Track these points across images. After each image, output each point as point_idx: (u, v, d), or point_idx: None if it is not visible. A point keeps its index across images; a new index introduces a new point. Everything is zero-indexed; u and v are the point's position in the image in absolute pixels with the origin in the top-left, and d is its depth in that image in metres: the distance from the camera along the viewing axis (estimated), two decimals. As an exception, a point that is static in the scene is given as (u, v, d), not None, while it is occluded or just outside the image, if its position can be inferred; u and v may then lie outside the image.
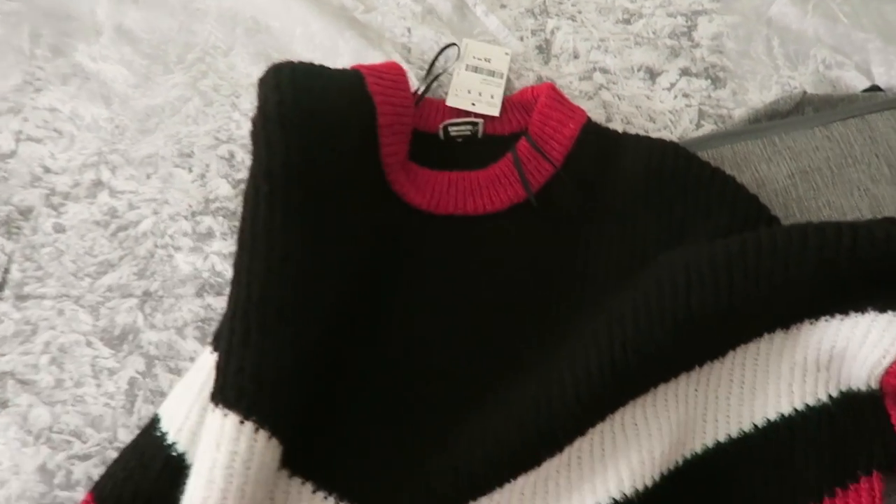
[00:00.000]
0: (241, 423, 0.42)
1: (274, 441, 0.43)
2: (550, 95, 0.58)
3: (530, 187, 0.55)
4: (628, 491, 0.45)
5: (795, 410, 0.48)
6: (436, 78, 0.62)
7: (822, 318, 0.48)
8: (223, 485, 0.41)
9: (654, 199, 0.54)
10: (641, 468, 0.46)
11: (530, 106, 0.59)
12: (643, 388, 0.48)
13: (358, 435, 0.48)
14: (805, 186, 0.57)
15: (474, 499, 0.46)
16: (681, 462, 0.48)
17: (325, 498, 0.46)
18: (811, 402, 0.48)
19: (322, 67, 0.52)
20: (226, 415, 0.43)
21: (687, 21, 0.70)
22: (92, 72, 0.65)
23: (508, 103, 0.60)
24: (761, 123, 0.60)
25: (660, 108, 0.65)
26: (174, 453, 0.46)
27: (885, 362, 0.45)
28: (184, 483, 0.43)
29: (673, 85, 0.67)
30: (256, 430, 0.43)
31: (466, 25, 0.69)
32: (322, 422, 0.48)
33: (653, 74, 0.67)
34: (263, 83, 0.50)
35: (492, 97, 0.60)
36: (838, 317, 0.48)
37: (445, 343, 0.52)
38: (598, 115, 0.64)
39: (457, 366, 0.51)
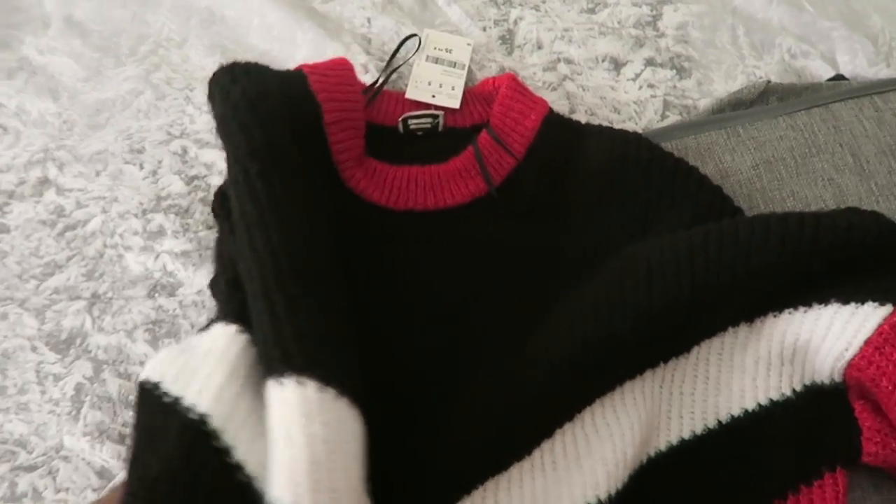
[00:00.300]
0: (321, 388, 0.38)
1: (354, 405, 0.40)
2: (511, 86, 0.56)
3: (492, 180, 0.54)
4: (603, 496, 0.44)
5: (759, 405, 0.47)
6: (395, 70, 0.61)
7: (786, 311, 0.47)
8: (328, 462, 0.37)
9: (618, 191, 0.53)
10: (616, 470, 0.44)
11: (491, 97, 0.58)
12: (609, 385, 0.47)
13: None
14: (769, 177, 0.56)
15: None
16: (645, 461, 0.47)
17: None
18: (775, 396, 0.47)
19: (266, 68, 0.51)
20: (301, 383, 0.38)
21: (652, 10, 0.69)
22: (39, 65, 0.63)
23: (469, 95, 0.58)
24: (725, 113, 0.60)
25: (624, 98, 0.64)
26: (193, 416, 0.40)
27: (848, 355, 0.45)
28: (207, 448, 0.39)
29: (638, 75, 0.66)
30: (338, 394, 0.39)
31: (428, 15, 0.68)
32: None
33: (617, 65, 0.66)
34: (218, 79, 0.48)
35: (452, 89, 0.58)
36: (801, 309, 0.47)
37: (408, 341, 0.50)
38: (561, 107, 0.63)
39: (420, 365, 0.49)
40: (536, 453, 0.45)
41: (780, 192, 0.56)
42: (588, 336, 0.46)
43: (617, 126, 0.62)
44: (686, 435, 0.47)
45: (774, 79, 0.66)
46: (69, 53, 0.63)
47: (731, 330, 0.49)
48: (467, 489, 0.45)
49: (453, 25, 0.67)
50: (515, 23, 0.68)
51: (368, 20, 0.66)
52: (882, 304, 0.44)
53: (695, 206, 0.52)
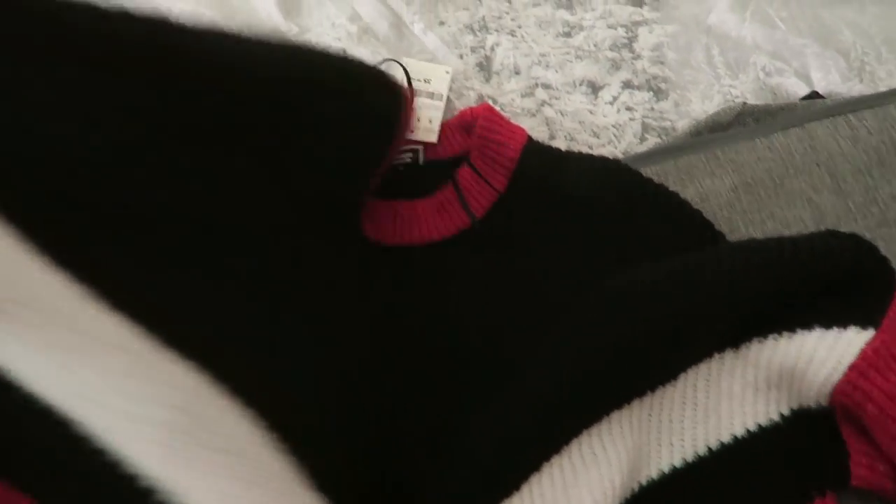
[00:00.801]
0: None
1: None
2: (488, 118, 0.57)
3: (474, 212, 0.54)
4: None
5: (748, 431, 0.47)
6: None
7: (771, 337, 0.48)
8: None
9: (599, 219, 0.53)
10: (604, 498, 0.45)
11: (470, 127, 0.58)
12: (596, 416, 0.47)
13: None
14: (749, 199, 0.57)
15: None
16: (637, 489, 0.47)
17: None
18: (763, 422, 0.47)
19: None
20: None
21: (627, 32, 0.70)
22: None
23: (448, 128, 0.58)
24: (703, 136, 0.60)
25: (603, 122, 0.65)
26: None
27: (833, 379, 0.45)
28: None
29: (616, 98, 0.66)
30: None
31: (405, 44, 0.68)
32: None
33: (595, 88, 0.66)
34: None
35: (430, 122, 0.58)
36: (786, 335, 0.47)
37: (395, 378, 0.50)
38: (541, 133, 0.63)
39: (405, 404, 0.49)
40: (525, 488, 0.45)
41: (759, 214, 0.56)
42: (572, 370, 0.46)
43: (597, 151, 0.63)
44: (677, 463, 0.48)
45: (750, 97, 0.66)
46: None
47: (717, 356, 0.49)
48: None
49: (430, 53, 0.67)
50: (492, 49, 0.68)
51: (344, 51, 0.66)
52: (864, 327, 0.45)
53: (676, 232, 0.53)
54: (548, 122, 0.64)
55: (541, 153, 0.57)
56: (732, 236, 0.55)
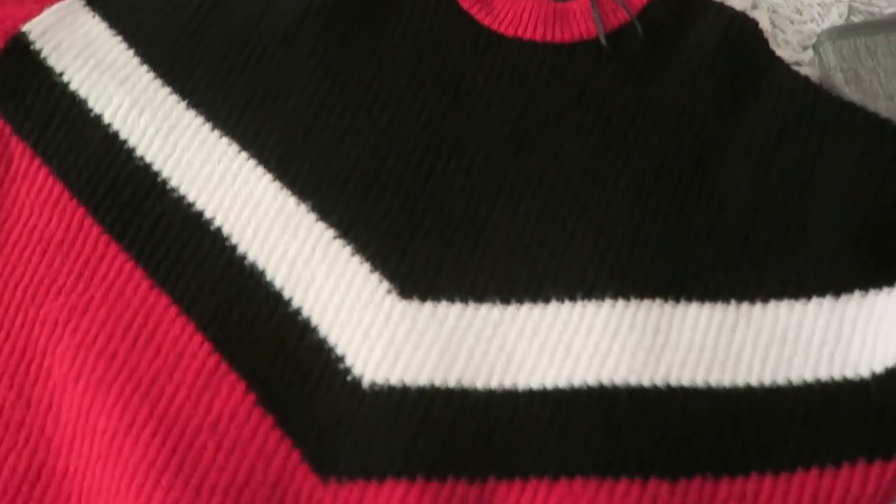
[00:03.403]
0: None
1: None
2: None
3: (602, 29, 0.57)
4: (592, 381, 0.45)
5: (832, 379, 0.46)
6: None
7: (872, 291, 0.47)
8: None
9: (720, 70, 0.55)
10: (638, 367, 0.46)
11: None
12: (662, 288, 0.48)
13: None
14: (962, 82, 0.55)
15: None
16: (701, 385, 0.46)
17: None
18: (850, 375, 0.46)
19: None
20: None
21: (843, -82, 0.68)
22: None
23: None
24: (920, 16, 0.59)
25: (808, 0, 0.64)
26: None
27: None
28: None
29: (824, -21, 0.65)
30: None
31: None
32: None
33: (803, -32, 0.66)
34: None
35: None
36: (885, 289, 0.47)
37: (459, 143, 0.54)
38: (743, 2, 0.63)
39: (473, 178, 0.53)
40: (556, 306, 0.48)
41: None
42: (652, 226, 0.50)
43: (798, 26, 0.63)
44: (754, 382, 0.46)
45: (969, -5, 0.64)
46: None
47: (815, 299, 0.48)
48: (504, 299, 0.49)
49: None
50: (702, -81, 0.68)
51: None
52: None
53: (786, 99, 0.54)
54: (751, -7, 0.64)
55: None
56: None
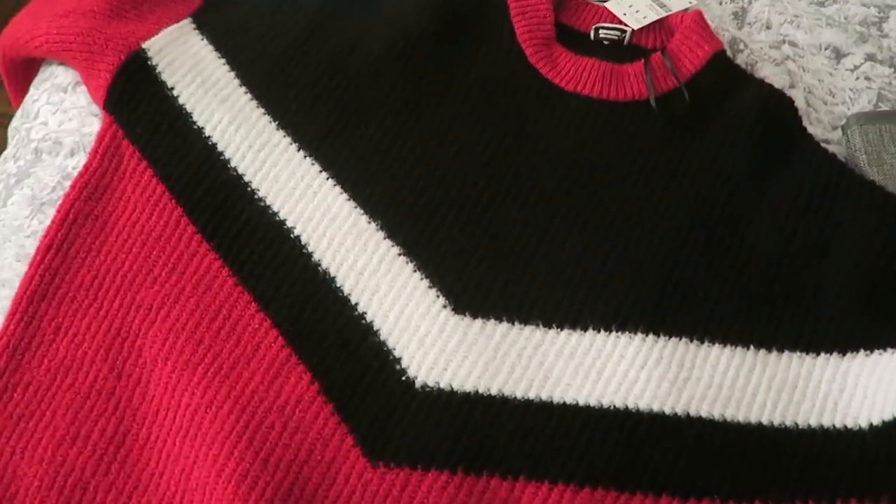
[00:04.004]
0: None
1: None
2: (695, 20, 0.66)
3: (653, 91, 0.63)
4: (619, 403, 0.51)
5: (833, 426, 0.51)
6: None
7: (875, 352, 0.53)
8: None
9: (756, 138, 0.62)
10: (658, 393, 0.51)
11: (675, 29, 0.68)
12: (689, 328, 0.54)
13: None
14: (975, 172, 0.61)
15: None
16: (717, 418, 0.51)
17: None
18: (850, 424, 0.51)
19: None
20: None
21: (879, 12, 0.75)
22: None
23: (659, 24, 0.68)
24: (942, 110, 0.65)
25: (841, 84, 0.70)
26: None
27: None
28: None
29: (857, 67, 0.71)
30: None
31: (671, -16, 0.76)
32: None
33: (839, 55, 0.72)
34: None
35: (644, 17, 0.68)
36: (888, 351, 0.52)
37: (518, 185, 0.60)
38: (782, 80, 0.69)
39: (526, 212, 0.59)
40: (578, 335, 0.54)
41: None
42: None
43: (831, 108, 0.69)
44: (765, 420, 0.52)
45: None
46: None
47: (823, 356, 0.54)
48: (546, 324, 0.54)
49: (694, -5, 0.75)
50: (750, 2, 0.75)
51: (620, -21, 0.75)
52: None
53: (810, 174, 0.60)
54: (790, 73, 0.70)
55: (728, 65, 0.66)
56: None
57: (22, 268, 0.58)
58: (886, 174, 0.61)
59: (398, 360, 0.54)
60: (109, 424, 0.53)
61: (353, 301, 0.56)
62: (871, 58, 0.72)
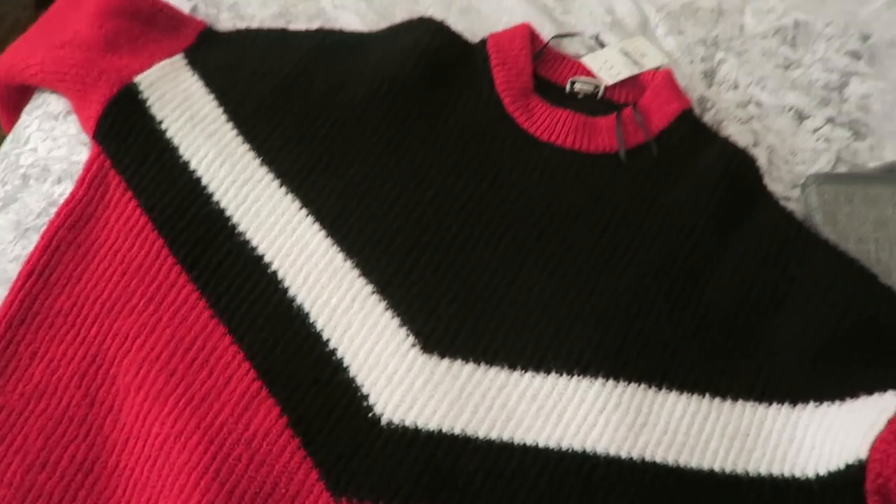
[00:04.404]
0: None
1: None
2: (665, 78, 0.70)
3: (623, 144, 0.66)
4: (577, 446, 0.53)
5: (783, 475, 0.54)
6: (570, 35, 0.77)
7: (824, 404, 0.55)
8: None
9: (719, 194, 0.64)
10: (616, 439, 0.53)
11: (648, 85, 0.71)
12: (647, 375, 0.56)
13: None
14: (924, 235, 0.64)
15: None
16: (671, 464, 0.54)
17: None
18: (798, 474, 0.53)
19: (462, 38, 0.74)
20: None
21: (841, 78, 0.79)
22: (332, 16, 0.79)
23: (631, 80, 0.72)
24: (893, 174, 0.68)
25: (802, 145, 0.74)
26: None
27: (873, 433, 0.50)
28: None
29: (818, 129, 0.75)
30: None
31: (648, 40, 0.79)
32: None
33: (801, 117, 0.76)
34: (429, 25, 0.72)
35: (618, 73, 0.72)
36: (836, 404, 0.55)
37: (489, 231, 0.62)
38: (746, 138, 0.73)
39: (495, 257, 0.61)
40: (554, 379, 0.56)
41: (932, 249, 0.64)
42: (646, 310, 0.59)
43: (792, 167, 0.72)
44: (717, 468, 0.54)
45: (942, 159, 0.73)
46: (356, 12, 0.79)
47: (775, 406, 0.56)
48: (511, 364, 0.56)
49: (667, 55, 0.78)
50: (719, 63, 0.79)
51: (598, 35, 0.78)
52: None
53: (768, 235, 0.63)
54: (754, 132, 0.74)
55: (695, 123, 0.69)
56: (900, 261, 0.63)
57: (3, 292, 0.59)
58: (840, 233, 0.64)
59: (366, 397, 0.55)
60: (80, 451, 0.54)
61: (325, 337, 0.58)
62: (831, 120, 0.75)
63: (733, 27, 0.82)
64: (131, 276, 0.60)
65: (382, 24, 0.78)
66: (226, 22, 0.76)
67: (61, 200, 0.63)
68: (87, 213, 0.62)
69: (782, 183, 0.71)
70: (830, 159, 0.73)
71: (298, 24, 0.77)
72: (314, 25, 0.77)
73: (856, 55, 0.80)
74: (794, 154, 0.73)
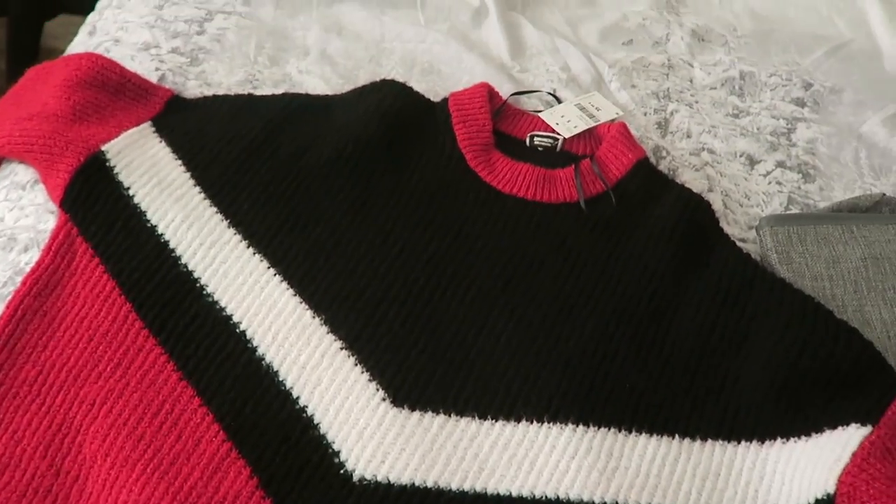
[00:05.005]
0: None
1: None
2: (620, 130, 0.73)
3: (583, 194, 0.69)
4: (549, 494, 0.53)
5: None
6: (528, 92, 0.80)
7: (791, 439, 0.56)
8: None
9: (677, 239, 0.66)
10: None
11: (604, 137, 0.74)
12: (617, 418, 0.57)
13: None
14: (875, 270, 0.67)
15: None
16: None
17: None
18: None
19: (423, 98, 0.76)
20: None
21: (787, 124, 0.83)
22: (298, 81, 0.81)
23: (588, 133, 0.75)
24: (843, 213, 0.71)
25: (755, 188, 0.77)
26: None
27: (839, 466, 0.52)
28: None
29: (769, 173, 0.78)
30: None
31: (602, 96, 0.83)
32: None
33: (752, 162, 0.79)
34: (386, 84, 0.75)
35: (574, 127, 0.75)
36: (802, 439, 0.56)
37: (457, 280, 0.64)
38: (701, 184, 0.75)
39: (463, 304, 0.63)
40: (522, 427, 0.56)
41: (882, 285, 0.66)
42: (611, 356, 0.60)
43: (746, 209, 0.75)
44: None
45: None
46: (321, 76, 0.82)
47: (743, 444, 0.57)
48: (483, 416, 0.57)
49: (622, 107, 0.82)
50: (671, 114, 0.82)
51: (554, 91, 0.82)
52: (863, 424, 0.54)
53: (727, 274, 0.65)
54: (708, 178, 0.77)
55: (651, 171, 0.71)
56: (856, 297, 0.65)
57: (-34, 363, 0.59)
58: (795, 271, 0.66)
59: (337, 454, 0.55)
60: (44, 524, 0.53)
61: (294, 395, 0.57)
62: (781, 164, 0.79)
63: (683, 80, 0.86)
64: (98, 342, 0.59)
65: (347, 88, 0.80)
66: (193, 89, 0.78)
67: (27, 269, 0.63)
68: (53, 281, 0.62)
69: (738, 225, 0.73)
70: (783, 201, 0.76)
71: (265, 90, 0.79)
72: (280, 91, 0.79)
73: (800, 102, 0.85)
74: (747, 197, 0.76)
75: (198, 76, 0.79)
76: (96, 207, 0.65)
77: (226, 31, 0.84)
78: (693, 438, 0.57)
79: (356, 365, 0.59)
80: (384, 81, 0.76)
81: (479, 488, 0.54)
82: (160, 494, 0.52)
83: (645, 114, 0.82)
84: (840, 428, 0.55)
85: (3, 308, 0.61)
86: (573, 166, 0.70)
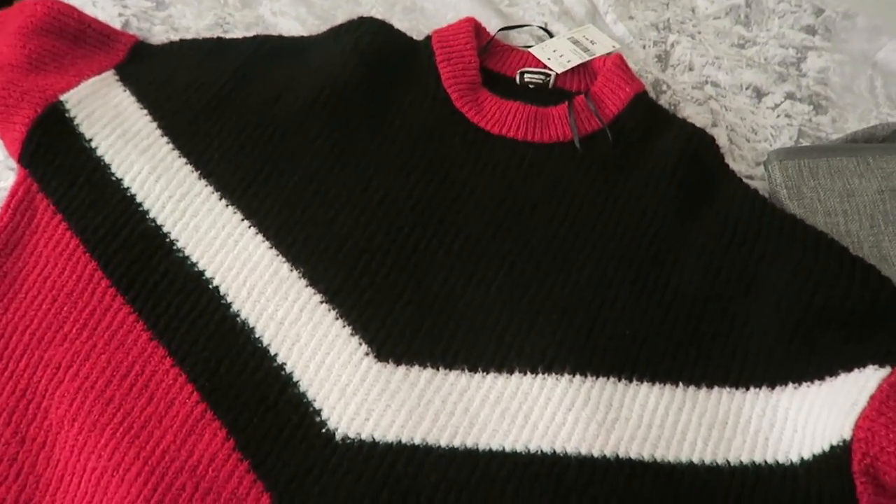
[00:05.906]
0: None
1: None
2: (616, 63, 0.67)
3: (577, 133, 0.64)
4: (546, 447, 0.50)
5: (765, 462, 0.51)
6: (517, 27, 0.75)
7: (803, 384, 0.52)
8: None
9: (680, 177, 0.62)
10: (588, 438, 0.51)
11: (599, 72, 0.69)
12: (616, 367, 0.53)
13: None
14: (893, 203, 0.62)
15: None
16: (647, 459, 0.50)
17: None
18: (781, 460, 0.51)
19: (402, 34, 0.72)
20: None
21: (797, 53, 0.77)
22: (271, 23, 0.76)
23: (583, 68, 0.70)
24: (858, 144, 0.66)
25: (763, 122, 0.72)
26: None
27: (857, 409, 0.48)
28: None
29: (777, 105, 0.73)
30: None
31: (597, 28, 0.77)
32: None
33: (760, 94, 0.74)
34: (364, 23, 0.70)
35: (568, 62, 0.70)
36: (815, 383, 0.52)
37: (447, 224, 0.60)
38: (704, 119, 0.71)
39: (457, 252, 0.59)
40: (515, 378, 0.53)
41: (900, 218, 0.62)
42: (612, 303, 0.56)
43: (753, 144, 0.70)
44: (696, 460, 0.51)
45: (906, 127, 0.71)
46: (296, 17, 0.77)
47: (752, 390, 0.53)
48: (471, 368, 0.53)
49: (618, 41, 0.76)
50: (672, 46, 0.77)
51: (545, 25, 0.76)
52: (881, 366, 0.50)
53: (729, 208, 0.61)
54: (712, 112, 0.72)
55: (649, 106, 0.66)
56: (873, 231, 0.61)
57: (-77, 329, 0.55)
58: (807, 207, 0.61)
59: (318, 412, 0.52)
60: (10, 492, 0.50)
61: (272, 352, 0.54)
62: (790, 96, 0.74)
63: (684, 10, 0.80)
64: (62, 302, 0.56)
65: (324, 29, 0.75)
66: (159, 35, 0.73)
67: (-13, 229, 0.59)
68: (13, 240, 0.58)
69: (745, 161, 0.69)
70: (793, 135, 0.71)
71: (236, 34, 0.74)
72: (252, 34, 0.74)
73: (811, 30, 0.79)
74: (754, 132, 0.71)
75: (164, 21, 0.74)
76: (57, 161, 0.61)
77: (194, -28, 0.79)
78: (698, 386, 0.53)
79: (337, 319, 0.55)
80: (362, 19, 0.71)
81: (469, 444, 0.50)
82: (130, 459, 0.49)
83: (644, 46, 0.76)
84: (856, 370, 0.51)
85: (-38, 271, 0.57)
86: (566, 103, 0.66)
